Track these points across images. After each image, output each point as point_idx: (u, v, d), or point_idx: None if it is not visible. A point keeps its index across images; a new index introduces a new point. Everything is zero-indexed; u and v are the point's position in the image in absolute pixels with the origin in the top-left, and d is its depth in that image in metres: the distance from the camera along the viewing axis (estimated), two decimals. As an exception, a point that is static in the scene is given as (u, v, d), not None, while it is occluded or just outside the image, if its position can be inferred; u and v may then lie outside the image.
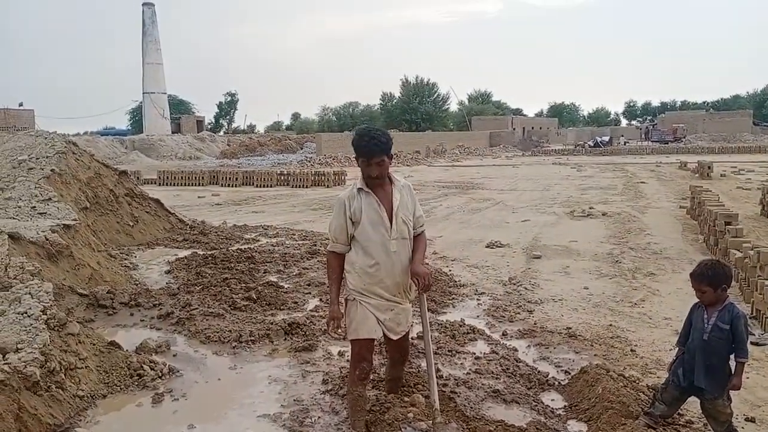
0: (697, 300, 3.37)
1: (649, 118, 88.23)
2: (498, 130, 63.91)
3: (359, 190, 3.45)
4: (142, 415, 3.96)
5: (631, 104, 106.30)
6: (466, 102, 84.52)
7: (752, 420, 3.71)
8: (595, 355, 4.86)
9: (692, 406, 3.69)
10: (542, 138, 64.07)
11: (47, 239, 6.38)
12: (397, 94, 74.51)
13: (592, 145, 52.07)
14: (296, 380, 4.39)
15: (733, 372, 3.23)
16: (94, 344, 4.62)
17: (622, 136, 67.03)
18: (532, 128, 71.01)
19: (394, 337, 3.50)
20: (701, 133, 60.40)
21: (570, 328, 5.55)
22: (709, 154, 38.12)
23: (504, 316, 6.02)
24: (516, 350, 5.00)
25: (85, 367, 4.30)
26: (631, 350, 4.96)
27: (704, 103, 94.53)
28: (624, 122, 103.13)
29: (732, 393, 3.31)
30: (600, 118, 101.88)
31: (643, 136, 61.54)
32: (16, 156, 8.77)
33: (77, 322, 4.96)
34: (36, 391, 3.70)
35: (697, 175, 21.78)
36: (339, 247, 3.49)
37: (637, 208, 14.16)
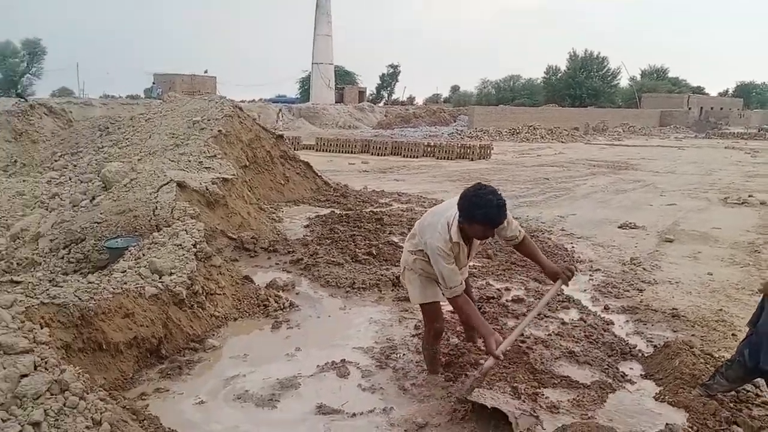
0: None
1: None
2: (670, 108, 58.89)
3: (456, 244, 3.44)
4: (262, 336, 4.75)
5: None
6: (638, 78, 78.70)
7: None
8: (693, 335, 4.82)
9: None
10: (721, 120, 58.02)
11: (207, 189, 7.48)
12: (563, 68, 71.47)
13: (780, 129, 46.23)
14: (392, 324, 4.94)
15: None
16: (232, 277, 5.51)
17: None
18: (711, 108, 64.42)
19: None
20: None
21: (676, 309, 5.48)
22: None
23: (611, 293, 6.05)
24: (611, 323, 5.09)
25: (223, 293, 5.18)
26: (733, 334, 4.83)
27: None
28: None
29: None
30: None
31: None
32: (192, 117, 10.17)
33: (224, 259, 5.92)
34: (181, 307, 4.61)
35: None
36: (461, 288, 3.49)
37: (808, 199, 12.77)
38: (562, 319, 5.01)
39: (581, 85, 66.30)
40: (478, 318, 3.48)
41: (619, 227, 9.63)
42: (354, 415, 3.47)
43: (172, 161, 8.51)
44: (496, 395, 3.41)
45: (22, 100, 14.73)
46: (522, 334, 4.51)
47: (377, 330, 4.81)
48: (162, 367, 4.08)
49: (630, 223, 9.78)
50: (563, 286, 3.65)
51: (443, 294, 3.55)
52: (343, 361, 4.17)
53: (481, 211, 3.21)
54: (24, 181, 8.95)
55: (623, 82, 74.10)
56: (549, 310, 5.21)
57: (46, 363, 2.94)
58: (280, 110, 40.96)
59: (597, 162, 21.53)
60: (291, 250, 7.03)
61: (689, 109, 59.91)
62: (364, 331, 4.81)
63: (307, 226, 8.67)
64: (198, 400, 3.64)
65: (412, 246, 3.75)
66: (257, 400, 3.63)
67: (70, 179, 8.92)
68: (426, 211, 10.55)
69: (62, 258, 6.18)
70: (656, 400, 3.67)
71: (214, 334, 4.65)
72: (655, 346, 4.56)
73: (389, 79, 80.00)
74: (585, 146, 31.14)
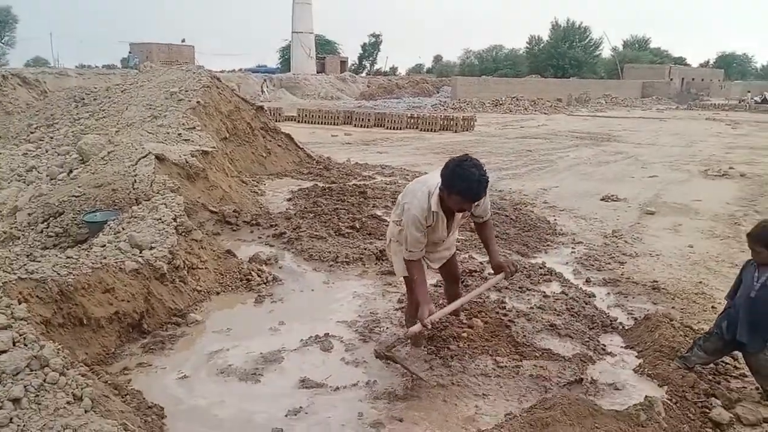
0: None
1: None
2: (652, 80, 59.01)
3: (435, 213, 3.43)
4: (245, 310, 4.73)
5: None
6: (620, 48, 78.61)
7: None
8: (672, 308, 4.90)
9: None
10: (702, 91, 58.37)
11: (187, 162, 7.36)
12: (546, 38, 71.12)
13: (759, 101, 46.58)
14: (376, 297, 4.95)
15: None
16: (214, 251, 5.46)
17: (802, 93, 59.12)
18: (693, 80, 64.68)
19: (435, 266, 3.87)
20: None
21: (656, 281, 5.56)
22: None
23: (593, 266, 6.11)
24: (592, 296, 5.15)
25: (205, 268, 5.14)
26: (712, 307, 4.91)
27: None
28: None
29: None
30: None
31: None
32: (169, 88, 9.96)
33: (206, 233, 5.86)
34: (163, 282, 4.56)
35: None
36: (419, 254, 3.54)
37: (786, 171, 12.96)
38: (544, 292, 5.05)
39: (564, 56, 66.09)
40: (420, 286, 3.50)
41: (601, 200, 9.69)
42: (337, 388, 3.49)
43: (150, 133, 8.35)
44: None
45: (-6, 69, 14.34)
46: (503, 303, 4.59)
47: (361, 304, 4.82)
48: (144, 341, 4.05)
49: (612, 195, 9.85)
50: (504, 281, 3.69)
51: (403, 255, 3.55)
52: (326, 335, 4.17)
53: (463, 183, 3.18)
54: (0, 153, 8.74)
55: (605, 52, 74.07)
56: (531, 283, 5.26)
57: (24, 339, 2.90)
58: (264, 81, 40.43)
59: (580, 134, 21.60)
60: (274, 223, 6.97)
61: (671, 80, 60.10)
62: (348, 305, 4.80)
63: (289, 200, 8.61)
64: (181, 375, 3.62)
65: (396, 217, 3.73)
66: (240, 375, 3.63)
67: (46, 152, 8.74)
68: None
69: (41, 232, 6.06)
70: (636, 372, 3.73)
71: (196, 309, 4.63)
72: (635, 319, 4.63)
73: (371, 48, 79.10)
74: (568, 118, 31.21)
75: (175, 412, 3.21)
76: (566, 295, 4.99)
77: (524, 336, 4.06)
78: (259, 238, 6.59)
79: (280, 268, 5.65)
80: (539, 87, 43.65)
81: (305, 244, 6.22)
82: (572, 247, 6.82)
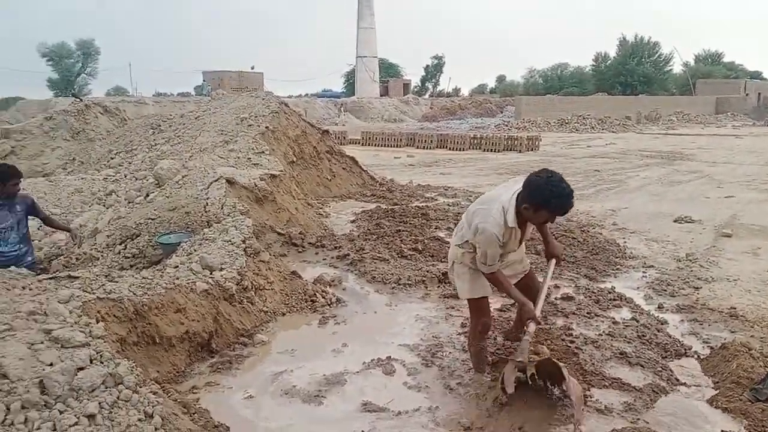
0: None
1: None
2: (726, 95, 56.49)
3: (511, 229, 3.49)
4: (310, 331, 4.81)
5: None
6: (692, 63, 75.76)
7: None
8: (751, 336, 4.63)
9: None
10: (783, 106, 55.34)
11: (256, 185, 7.60)
12: (612, 55, 69.47)
13: None
14: (439, 321, 4.92)
15: None
16: (280, 272, 5.59)
17: None
18: (772, 94, 61.51)
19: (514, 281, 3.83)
20: None
21: (734, 308, 5.27)
22: None
23: (666, 291, 5.86)
24: (665, 322, 4.94)
25: (271, 289, 5.26)
26: (796, 336, 4.62)
27: None
28: None
29: None
30: None
31: None
32: (239, 114, 10.35)
33: (273, 255, 6.01)
34: (231, 302, 4.70)
35: None
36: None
37: None
38: (613, 318, 4.88)
39: (632, 73, 64.25)
40: (511, 287, 3.62)
41: (674, 221, 9.32)
42: (399, 413, 3.48)
43: (222, 158, 8.69)
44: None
45: (78, 99, 15.27)
46: (569, 330, 4.51)
47: (423, 327, 4.80)
48: (212, 361, 4.17)
49: (685, 216, 9.45)
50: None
51: (479, 266, 3.59)
52: (388, 358, 4.18)
53: (556, 199, 3.23)
54: (82, 178, 9.30)
55: (676, 68, 71.50)
56: (599, 309, 5.10)
57: (101, 356, 3.04)
58: (342, 105, 42.31)
59: (650, 152, 20.89)
60: (338, 245, 7.07)
61: (746, 95, 57.32)
62: (410, 328, 4.80)
63: (353, 221, 8.72)
64: (247, 395, 3.71)
65: (459, 239, 3.74)
66: (304, 396, 3.68)
67: (125, 176, 9.23)
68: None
69: (118, 253, 6.39)
70: (711, 405, 3.54)
71: (262, 329, 4.74)
72: (711, 348, 4.40)
73: (434, 70, 79.47)
74: (637, 136, 30.26)
75: (240, 433, 3.28)
76: (637, 321, 4.81)
77: (592, 364, 3.93)
78: (324, 259, 6.69)
79: (343, 289, 5.71)
80: (607, 105, 42.54)
81: (368, 266, 6.27)
82: (643, 271, 6.58)
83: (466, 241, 3.63)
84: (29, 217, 5.28)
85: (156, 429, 2.76)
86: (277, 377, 3.94)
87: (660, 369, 3.96)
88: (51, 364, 2.84)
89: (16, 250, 5.01)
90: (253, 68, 57.48)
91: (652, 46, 67.54)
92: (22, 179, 5.16)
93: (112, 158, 11.04)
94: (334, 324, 4.92)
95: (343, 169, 12.06)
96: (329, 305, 5.27)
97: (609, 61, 69.37)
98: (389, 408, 3.53)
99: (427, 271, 6.00)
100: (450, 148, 22.57)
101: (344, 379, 3.90)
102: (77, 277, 4.20)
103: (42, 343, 2.98)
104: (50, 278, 4.17)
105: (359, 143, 24.40)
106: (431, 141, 23.41)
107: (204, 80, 53.93)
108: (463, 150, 22.22)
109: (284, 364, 4.15)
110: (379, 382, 3.89)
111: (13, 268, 4.58)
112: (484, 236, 3.41)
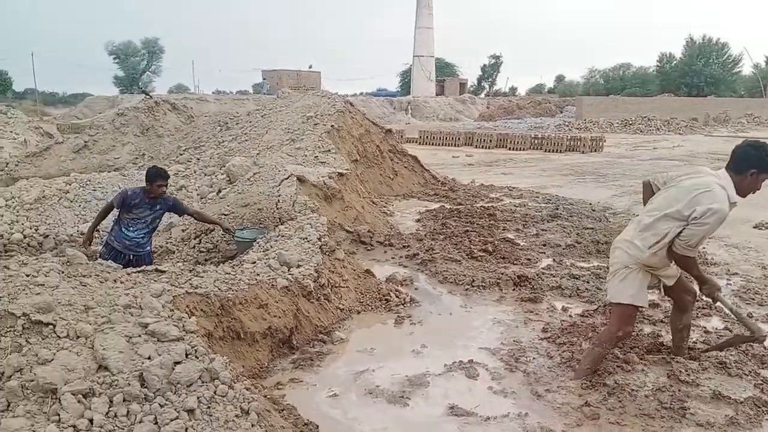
0: None
1: None
2: (802, 96, 53.65)
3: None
4: (386, 330, 4.77)
5: None
6: (763, 65, 72.27)
7: None
8: None
9: None
10: None
11: (325, 183, 7.64)
12: (678, 55, 67.00)
13: None
14: (518, 325, 4.80)
15: None
16: (354, 270, 5.58)
17: None
18: None
19: (670, 283, 3.81)
20: None
21: (834, 320, 4.95)
22: None
23: (754, 299, 5.56)
24: (758, 333, 4.67)
25: (346, 287, 5.26)
26: None
27: None
28: None
29: None
30: None
31: None
32: (305, 113, 10.44)
33: (345, 253, 6.01)
34: (309, 299, 4.72)
35: None
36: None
37: None
38: (705, 328, 4.65)
39: (699, 74, 61.80)
40: (699, 267, 3.73)
41: (753, 227, 8.87)
42: (488, 418, 3.39)
43: (289, 156, 8.77)
44: None
45: (148, 96, 15.75)
46: (659, 337, 4.31)
47: (502, 331, 4.69)
48: (294, 357, 4.18)
49: (766, 222, 8.98)
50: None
51: (680, 250, 3.55)
52: (470, 361, 4.09)
53: None
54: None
55: (746, 69, 68.33)
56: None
57: (196, 351, 3.06)
58: (408, 104, 42.49)
59: (721, 155, 19.98)
60: (406, 244, 7.03)
61: (824, 96, 54.27)
62: (488, 331, 4.70)
63: (418, 221, 8.66)
64: (331, 393, 3.69)
65: (644, 240, 3.63)
66: (389, 397, 3.64)
67: (195, 172, 9.43)
68: (541, 207, 10.10)
69: (193, 247, 6.53)
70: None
71: (340, 327, 4.73)
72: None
73: (491, 69, 78.56)
74: (706, 138, 29.04)
75: (329, 432, 3.26)
76: (730, 331, 4.56)
77: (688, 375, 3.74)
78: (392, 258, 6.66)
79: (416, 289, 5.66)
80: (672, 106, 41.00)
81: (439, 266, 6.19)
82: (727, 279, 6.27)
83: (658, 242, 3.57)
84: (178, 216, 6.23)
85: (252, 425, 2.76)
86: (359, 376, 3.92)
87: (761, 382, 3.73)
88: (149, 358, 2.88)
89: (139, 238, 5.41)
90: (311, 67, 58.32)
91: (721, 47, 64.83)
92: (168, 181, 5.55)
93: (180, 154, 11.32)
94: (409, 324, 4.87)
95: (405, 168, 12.02)
96: (403, 305, 5.23)
97: (674, 62, 66.96)
98: (477, 413, 3.44)
99: (502, 274, 5.87)
100: (509, 148, 22.21)
101: (427, 381, 3.84)
102: (164, 271, 4.28)
103: (140, 336, 3.02)
104: (138, 271, 4.27)
105: (417, 142, 24.31)
106: (490, 140, 23.10)
107: (264, 78, 54.91)
108: (524, 150, 21.82)
109: (365, 362, 4.12)
110: (462, 385, 3.81)
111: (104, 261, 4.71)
112: (717, 215, 3.45)
